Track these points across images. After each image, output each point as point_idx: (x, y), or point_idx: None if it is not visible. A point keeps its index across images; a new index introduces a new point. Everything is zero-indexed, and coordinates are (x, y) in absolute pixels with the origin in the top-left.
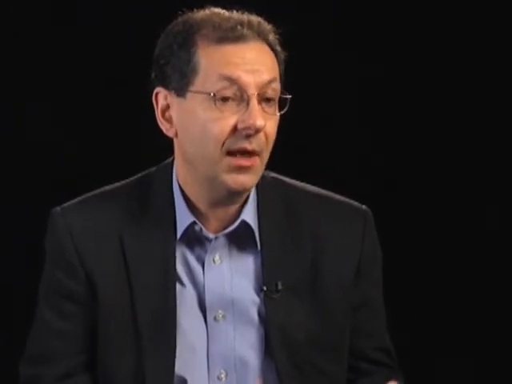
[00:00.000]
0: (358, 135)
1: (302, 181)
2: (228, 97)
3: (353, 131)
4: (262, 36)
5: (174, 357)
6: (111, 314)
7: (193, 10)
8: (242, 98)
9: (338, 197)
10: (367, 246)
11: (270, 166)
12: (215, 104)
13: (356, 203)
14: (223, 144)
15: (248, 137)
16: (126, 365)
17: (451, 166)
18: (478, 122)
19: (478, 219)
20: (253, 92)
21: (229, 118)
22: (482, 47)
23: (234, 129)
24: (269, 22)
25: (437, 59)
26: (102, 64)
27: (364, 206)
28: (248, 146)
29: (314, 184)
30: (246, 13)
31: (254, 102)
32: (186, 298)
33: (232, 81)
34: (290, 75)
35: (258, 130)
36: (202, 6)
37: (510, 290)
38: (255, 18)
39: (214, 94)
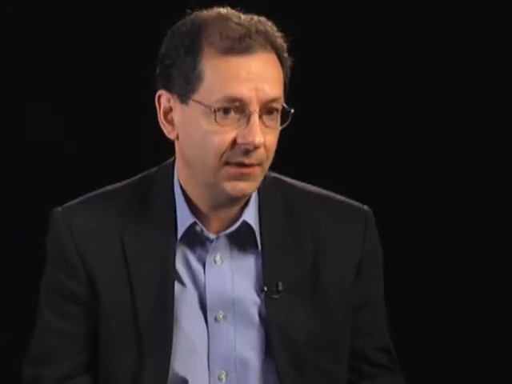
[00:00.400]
0: (357, 135)
1: (302, 181)
2: (230, 110)
3: (353, 131)
4: (269, 45)
5: (170, 357)
6: (112, 313)
7: (193, 10)
8: (243, 112)
9: (338, 197)
10: (368, 247)
11: (270, 165)
12: (216, 119)
13: (357, 203)
14: (222, 155)
15: (247, 152)
16: (127, 365)
17: (451, 166)
18: (478, 122)
19: (478, 219)
20: (254, 108)
21: (229, 132)
22: (481, 47)
23: (234, 142)
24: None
25: (437, 59)
26: (102, 64)
27: (365, 207)
28: (246, 160)
29: (314, 184)
30: (255, 16)
31: (255, 118)
32: (186, 298)
33: (236, 99)
34: (290, 75)
35: (256, 147)
36: (203, 7)
37: (510, 289)
38: (264, 26)
39: (215, 110)
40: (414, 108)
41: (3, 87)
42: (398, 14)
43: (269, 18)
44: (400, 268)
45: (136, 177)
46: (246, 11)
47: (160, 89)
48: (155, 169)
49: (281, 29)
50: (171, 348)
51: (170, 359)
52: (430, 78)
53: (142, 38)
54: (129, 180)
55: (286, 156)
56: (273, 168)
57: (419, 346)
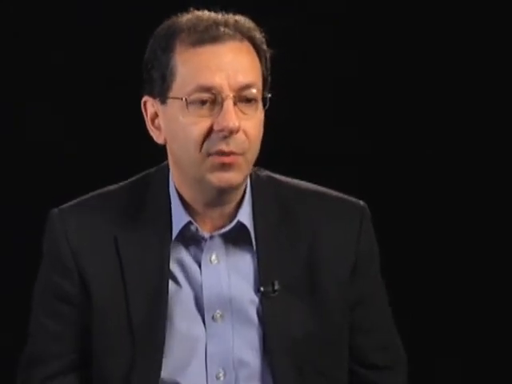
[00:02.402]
0: (357, 135)
1: (302, 180)
2: (204, 100)
3: (352, 131)
4: (240, 34)
5: (162, 359)
6: (106, 315)
7: (189, 10)
8: (217, 101)
9: (333, 193)
10: (364, 244)
11: (269, 166)
12: (191, 109)
13: (352, 199)
14: (202, 146)
15: (225, 138)
16: (120, 365)
17: (451, 166)
18: (478, 122)
19: (477, 219)
20: (227, 94)
21: (205, 121)
22: (482, 47)
23: (211, 130)
24: (267, 22)
25: (437, 59)
26: (102, 64)
27: (361, 202)
28: (225, 147)
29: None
30: (230, 13)
31: (229, 103)
32: (182, 298)
33: (207, 88)
34: (289, 75)
35: (232, 132)
36: (198, 7)
37: (509, 289)
38: (233, 17)
39: (187, 99)
40: (414, 107)
41: (3, 87)
42: (398, 13)
43: (268, 18)
44: (400, 268)
45: (133, 177)
46: (246, 11)
47: (145, 95)
48: (154, 169)
49: (281, 29)
50: (163, 350)
51: (161, 361)
52: (430, 77)
53: (142, 38)
54: (126, 181)
55: (285, 156)
56: (271, 167)
57: (419, 345)
